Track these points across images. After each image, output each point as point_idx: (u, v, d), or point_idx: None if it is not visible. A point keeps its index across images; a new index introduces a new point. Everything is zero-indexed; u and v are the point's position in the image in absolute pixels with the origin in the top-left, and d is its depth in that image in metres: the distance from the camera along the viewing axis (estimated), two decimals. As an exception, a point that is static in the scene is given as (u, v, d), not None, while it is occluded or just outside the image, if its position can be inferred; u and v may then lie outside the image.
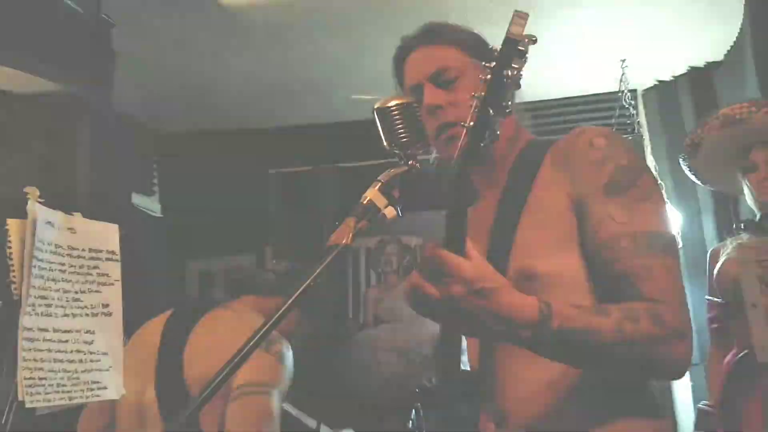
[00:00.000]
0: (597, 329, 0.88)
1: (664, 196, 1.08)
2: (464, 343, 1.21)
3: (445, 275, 0.84)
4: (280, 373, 1.65)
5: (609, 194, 1.01)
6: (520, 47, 0.80)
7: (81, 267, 1.30)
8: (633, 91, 3.54)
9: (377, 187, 1.01)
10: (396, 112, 1.04)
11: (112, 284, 1.34)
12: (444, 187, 0.85)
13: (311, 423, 2.04)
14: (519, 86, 0.79)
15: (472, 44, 1.18)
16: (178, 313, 1.81)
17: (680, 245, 3.15)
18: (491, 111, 0.79)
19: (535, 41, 0.81)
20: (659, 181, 1.09)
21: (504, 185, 1.15)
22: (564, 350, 0.90)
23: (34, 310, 1.20)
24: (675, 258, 0.99)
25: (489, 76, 0.79)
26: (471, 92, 1.12)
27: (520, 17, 0.81)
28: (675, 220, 3.13)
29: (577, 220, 1.04)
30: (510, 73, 0.78)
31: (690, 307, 3.02)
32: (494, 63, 0.79)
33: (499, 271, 1.05)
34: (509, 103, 0.79)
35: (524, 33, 0.80)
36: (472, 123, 0.80)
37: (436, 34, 1.20)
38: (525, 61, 0.80)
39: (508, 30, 0.78)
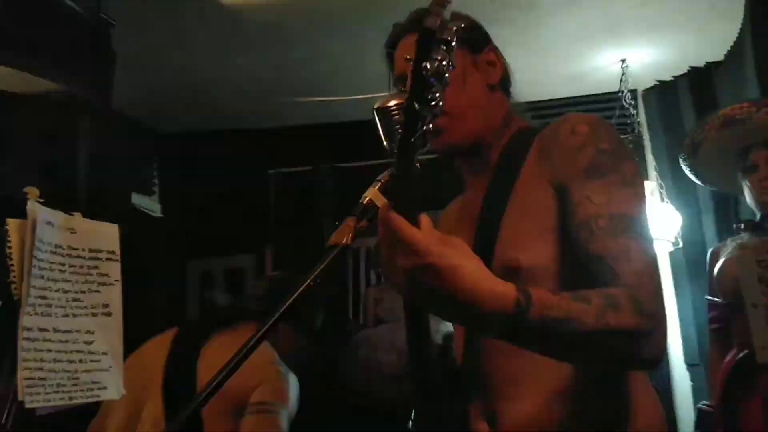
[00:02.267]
0: (578, 317, 0.82)
1: (644, 185, 1.05)
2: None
3: (398, 243, 0.78)
4: (292, 398, 1.72)
5: (589, 177, 0.99)
6: (445, 36, 0.75)
7: (81, 267, 1.30)
8: (633, 91, 3.54)
9: (377, 187, 1.02)
10: (396, 112, 1.04)
11: (112, 284, 1.35)
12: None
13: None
14: (446, 82, 0.75)
15: (463, 31, 1.16)
16: (184, 332, 1.83)
17: (680, 245, 3.15)
18: (416, 105, 0.75)
19: (462, 28, 0.78)
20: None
21: (491, 176, 1.14)
22: (542, 340, 0.85)
23: (34, 310, 1.20)
24: (651, 245, 0.96)
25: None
26: (457, 80, 1.10)
27: (438, 4, 0.76)
28: (675, 220, 3.13)
29: (559, 207, 1.02)
30: (430, 66, 0.74)
31: (690, 307, 3.00)
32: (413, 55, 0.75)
33: (485, 263, 1.06)
34: (437, 95, 0.75)
35: (442, 21, 0.75)
36: (402, 118, 0.77)
37: (412, 29, 1.18)
38: (451, 51, 0.76)
39: (423, 21, 0.76)
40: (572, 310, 0.82)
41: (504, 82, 1.21)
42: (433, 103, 0.75)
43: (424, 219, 0.80)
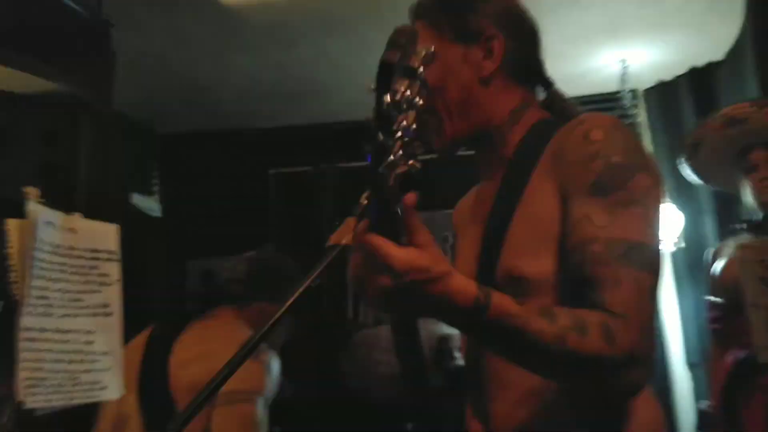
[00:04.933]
0: (535, 331, 0.81)
1: (661, 202, 1.01)
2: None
3: (377, 263, 0.77)
4: (265, 382, 1.67)
5: (593, 194, 0.94)
6: (409, 64, 0.75)
7: (81, 267, 1.30)
8: (633, 91, 3.54)
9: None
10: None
11: (112, 284, 1.35)
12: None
13: None
14: (413, 107, 0.74)
15: (452, 23, 1.12)
16: (159, 326, 1.83)
17: (681, 245, 3.15)
18: (381, 136, 0.74)
19: (432, 54, 0.77)
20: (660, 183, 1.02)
21: (504, 173, 1.10)
22: (498, 344, 0.87)
23: (34, 310, 1.20)
24: (651, 274, 0.90)
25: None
26: (440, 79, 1.09)
27: (400, 35, 0.75)
28: (675, 220, 3.13)
29: (563, 217, 0.97)
30: (391, 99, 0.73)
31: (690, 307, 2.99)
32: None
33: (490, 269, 1.03)
34: (402, 124, 0.74)
35: (403, 54, 0.74)
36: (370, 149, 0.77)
37: (415, 14, 1.17)
38: (418, 80, 0.75)
39: (384, 54, 0.76)
40: (531, 323, 0.82)
41: (514, 69, 1.13)
42: (399, 133, 0.75)
43: (413, 220, 0.79)
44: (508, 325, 0.81)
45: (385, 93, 0.74)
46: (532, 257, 1.00)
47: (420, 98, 0.76)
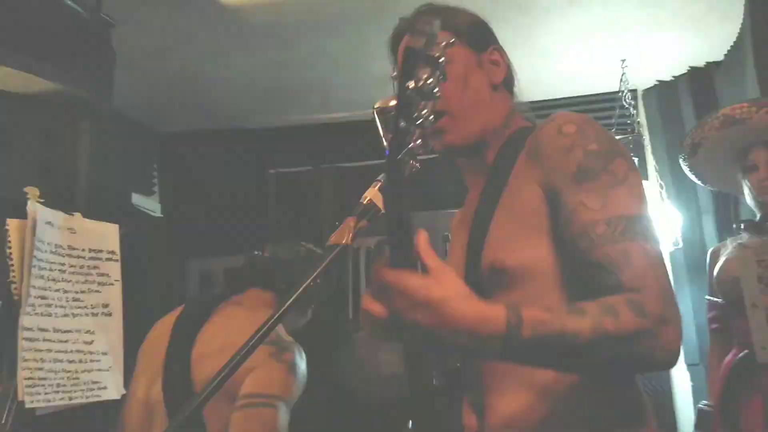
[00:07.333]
0: (573, 331, 0.82)
1: (640, 179, 1.03)
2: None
3: (389, 290, 0.79)
4: (290, 384, 1.60)
5: (580, 181, 0.98)
6: (432, 53, 0.76)
7: (81, 267, 1.30)
8: (633, 91, 3.54)
9: (377, 186, 1.03)
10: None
11: (112, 284, 1.35)
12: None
13: None
14: (435, 97, 0.76)
15: (468, 30, 1.19)
16: (187, 310, 1.77)
17: (680, 245, 3.15)
18: (402, 122, 0.76)
19: (452, 44, 0.79)
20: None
21: (486, 177, 1.15)
22: (539, 357, 0.86)
23: (34, 310, 1.20)
24: (654, 242, 0.94)
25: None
26: (460, 79, 1.13)
27: (424, 23, 0.77)
28: (675, 220, 3.13)
29: (550, 212, 1.01)
30: (414, 85, 0.75)
31: (690, 307, 2.99)
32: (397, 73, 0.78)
33: (474, 266, 1.07)
34: (423, 113, 0.76)
35: (427, 42, 0.76)
36: (390, 135, 0.78)
37: (428, 17, 1.20)
38: (438, 70, 0.76)
39: (409, 41, 0.76)
40: (567, 324, 0.83)
41: (508, 81, 1.22)
42: (419, 121, 0.76)
43: (422, 238, 0.82)
44: (545, 336, 0.81)
45: (409, 79, 0.75)
46: (513, 250, 1.03)
47: (438, 90, 0.77)
